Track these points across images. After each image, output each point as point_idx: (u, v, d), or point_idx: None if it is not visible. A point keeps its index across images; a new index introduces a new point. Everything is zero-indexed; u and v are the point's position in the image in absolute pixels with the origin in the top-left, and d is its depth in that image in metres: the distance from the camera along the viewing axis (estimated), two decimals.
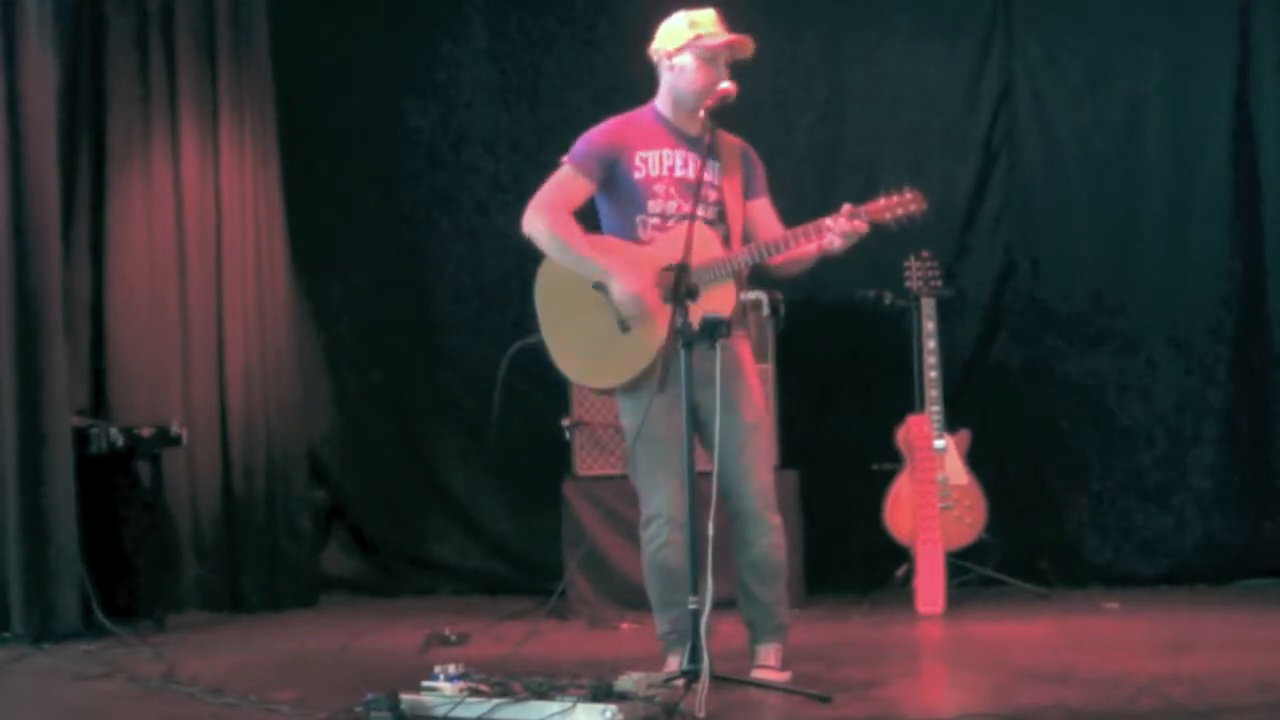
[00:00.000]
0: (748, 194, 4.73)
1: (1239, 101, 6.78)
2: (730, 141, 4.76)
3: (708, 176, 4.61)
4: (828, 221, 4.52)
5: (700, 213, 4.53)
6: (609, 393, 4.75)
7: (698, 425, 4.52)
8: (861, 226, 4.47)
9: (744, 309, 4.67)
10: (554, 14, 7.35)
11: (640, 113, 4.73)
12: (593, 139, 4.71)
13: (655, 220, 4.61)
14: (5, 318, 5.83)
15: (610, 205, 4.71)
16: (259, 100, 6.99)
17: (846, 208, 4.50)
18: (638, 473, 4.65)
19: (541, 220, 4.62)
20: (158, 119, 6.74)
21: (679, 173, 4.64)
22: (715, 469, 4.47)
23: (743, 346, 4.72)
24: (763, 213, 4.75)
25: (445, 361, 7.46)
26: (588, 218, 4.73)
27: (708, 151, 4.59)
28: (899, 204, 4.46)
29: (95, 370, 6.61)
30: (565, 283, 4.64)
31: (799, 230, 4.56)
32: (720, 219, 4.66)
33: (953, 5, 7.08)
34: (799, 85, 6.79)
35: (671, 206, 4.62)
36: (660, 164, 4.63)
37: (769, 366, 6.31)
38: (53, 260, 5.96)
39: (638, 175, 4.64)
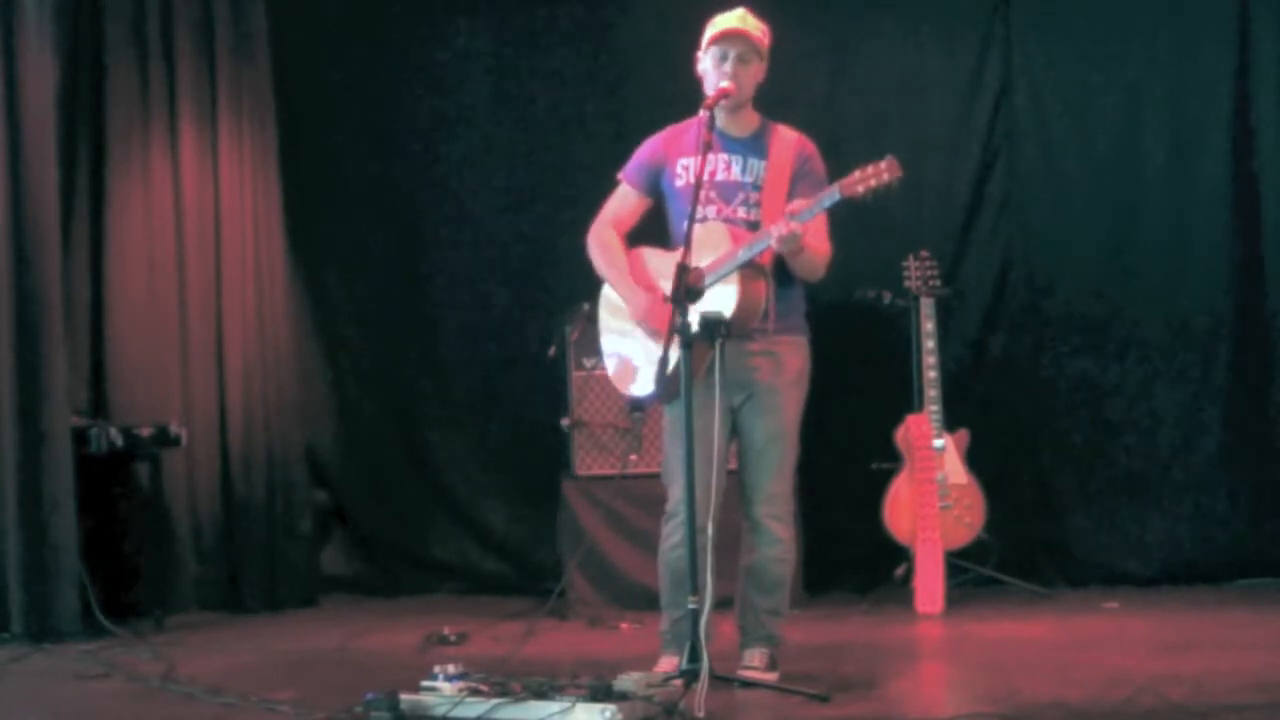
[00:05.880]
0: (795, 193, 4.66)
1: (1238, 101, 6.78)
2: (787, 138, 4.76)
3: (748, 177, 4.68)
4: (772, 228, 4.49)
5: (742, 214, 4.65)
6: (654, 400, 4.76)
7: (733, 427, 4.68)
8: (784, 231, 4.37)
9: (767, 310, 4.60)
10: (554, 12, 7.35)
11: (692, 120, 4.73)
12: (639, 152, 4.87)
13: (696, 226, 4.60)
14: (5, 318, 5.82)
15: (667, 213, 4.84)
16: (258, 99, 6.99)
17: (793, 205, 4.48)
18: (666, 470, 4.74)
19: (589, 240, 4.88)
20: (157, 119, 6.73)
21: (719, 177, 4.70)
22: (710, 472, 4.50)
23: (793, 357, 4.73)
24: None
25: (444, 361, 7.46)
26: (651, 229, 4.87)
27: (753, 151, 4.69)
28: (872, 174, 4.33)
29: (95, 370, 6.60)
30: (617, 295, 4.81)
31: (754, 235, 4.55)
32: (763, 219, 4.65)
33: (952, 4, 7.09)
34: (797, 84, 6.78)
35: (711, 211, 4.67)
36: (703, 169, 4.62)
37: None
38: (52, 260, 5.96)
39: (679, 183, 4.74)
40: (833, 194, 4.36)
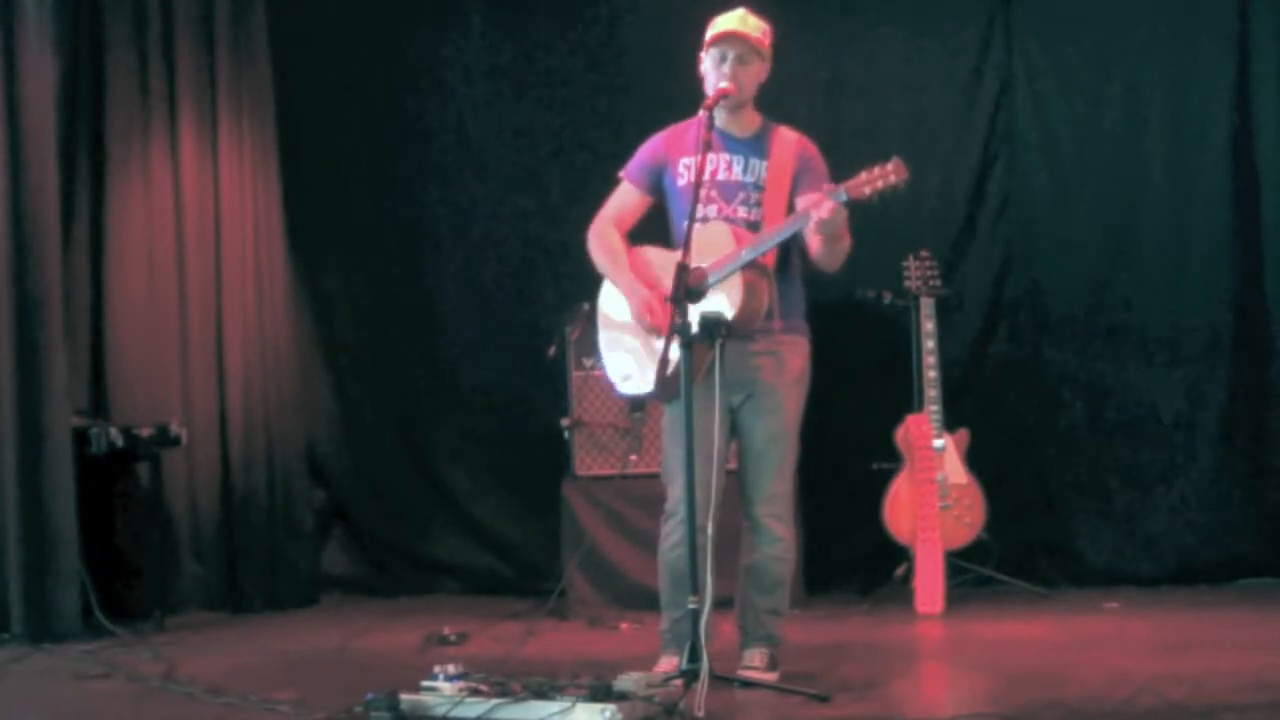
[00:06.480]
0: (797, 191, 4.67)
1: (1238, 101, 6.79)
2: (788, 139, 4.76)
3: (750, 177, 4.68)
4: (803, 207, 4.51)
5: (743, 214, 4.65)
6: (653, 398, 4.76)
7: (733, 426, 4.68)
8: (824, 214, 4.35)
9: (770, 310, 4.61)
10: (555, 12, 7.35)
11: (694, 119, 4.70)
12: (640, 151, 4.86)
13: (697, 225, 4.60)
14: (5, 318, 5.83)
15: (669, 213, 4.83)
16: (258, 100, 6.99)
17: (826, 187, 4.47)
18: (666, 470, 4.74)
19: (590, 237, 4.88)
20: (157, 119, 6.73)
21: (720, 176, 4.70)
22: (713, 471, 4.50)
23: (794, 356, 4.73)
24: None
25: (445, 361, 7.46)
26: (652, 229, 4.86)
27: (754, 151, 4.69)
28: (879, 176, 4.33)
29: (95, 370, 6.61)
30: (616, 295, 4.79)
31: (782, 222, 4.56)
32: (764, 218, 4.65)
33: (952, 4, 7.09)
34: (797, 84, 6.78)
35: (712, 210, 4.67)
36: (703, 169, 4.62)
37: None
38: (53, 260, 5.96)
39: (680, 182, 4.73)
40: (839, 194, 4.36)
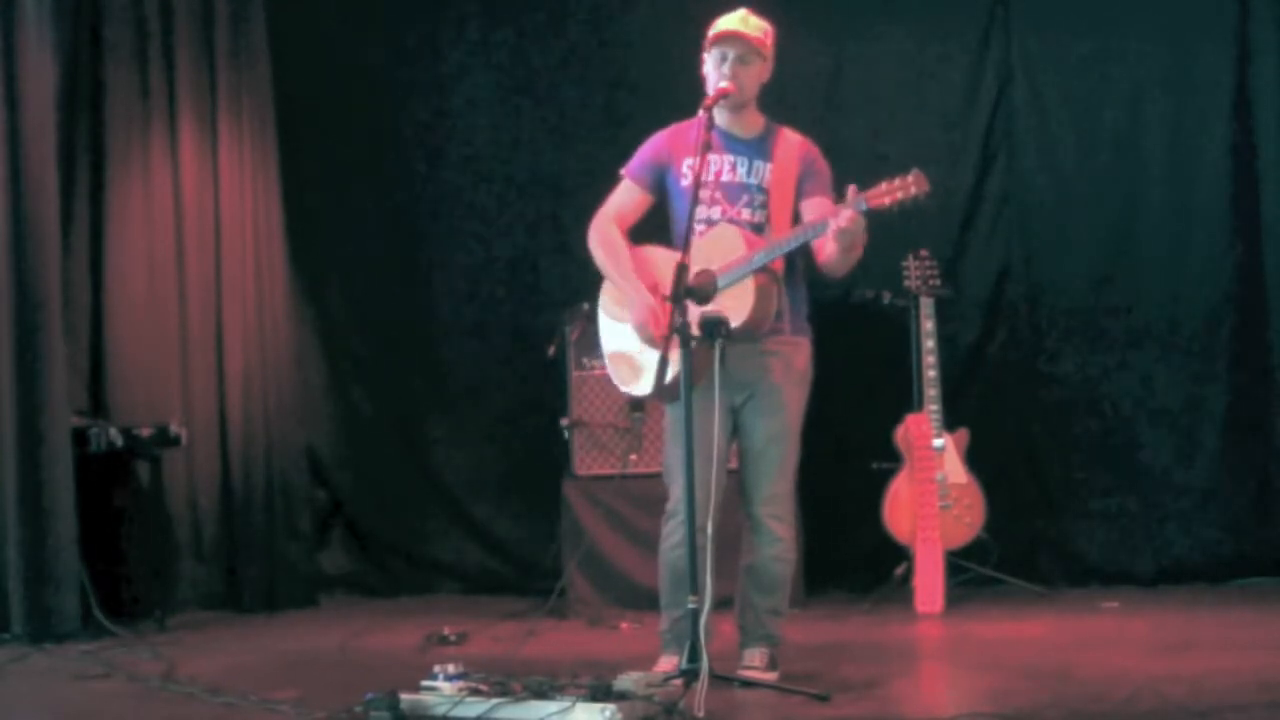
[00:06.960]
0: (802, 195, 4.69)
1: (1238, 101, 6.79)
2: (791, 141, 4.76)
3: (754, 179, 4.67)
4: (820, 215, 4.52)
5: (747, 215, 4.64)
6: (653, 399, 4.77)
7: (734, 426, 4.68)
8: (844, 223, 4.36)
9: (780, 312, 4.61)
10: (553, 13, 7.35)
11: (695, 120, 4.68)
12: (643, 150, 4.84)
13: (701, 226, 4.62)
14: (5, 318, 5.82)
15: (670, 212, 4.82)
16: (258, 101, 6.99)
17: (850, 194, 4.46)
18: (668, 470, 4.74)
19: (590, 233, 4.83)
20: (157, 120, 6.73)
21: (725, 177, 4.69)
22: (714, 471, 4.50)
23: (798, 356, 4.73)
24: (814, 213, 4.63)
25: (445, 360, 7.45)
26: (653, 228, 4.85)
27: (757, 153, 4.69)
28: (899, 187, 4.35)
29: (95, 370, 6.60)
30: (617, 294, 4.78)
31: (799, 228, 4.57)
32: (769, 220, 4.66)
33: (952, 4, 7.09)
34: (798, 84, 6.78)
35: (716, 212, 4.67)
36: (706, 170, 4.62)
37: None
38: (52, 260, 5.95)
39: (684, 183, 4.71)
40: (859, 204, 4.36)
